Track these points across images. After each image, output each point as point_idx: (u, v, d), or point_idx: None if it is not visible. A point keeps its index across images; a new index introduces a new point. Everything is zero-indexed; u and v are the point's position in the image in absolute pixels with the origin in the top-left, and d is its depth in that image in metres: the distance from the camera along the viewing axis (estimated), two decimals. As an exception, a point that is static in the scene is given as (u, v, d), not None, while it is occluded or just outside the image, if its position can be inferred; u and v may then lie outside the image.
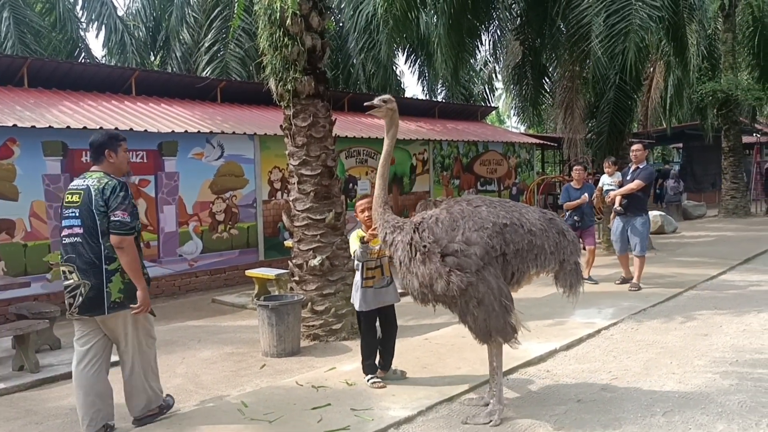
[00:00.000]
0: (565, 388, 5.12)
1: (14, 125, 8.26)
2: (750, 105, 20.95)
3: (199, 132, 10.21)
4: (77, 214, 4.35)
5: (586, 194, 9.58)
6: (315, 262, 6.93)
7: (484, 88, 27.25)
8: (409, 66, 21.83)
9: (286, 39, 6.88)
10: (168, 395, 4.86)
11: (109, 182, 4.40)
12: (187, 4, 18.60)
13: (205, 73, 15.73)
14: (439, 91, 23.16)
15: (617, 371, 5.50)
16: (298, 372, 5.84)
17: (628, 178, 9.20)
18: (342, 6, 18.20)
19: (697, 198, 24.22)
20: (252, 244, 11.23)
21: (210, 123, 10.86)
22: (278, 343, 6.39)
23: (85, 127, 8.91)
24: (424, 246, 4.26)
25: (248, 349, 6.80)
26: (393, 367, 5.42)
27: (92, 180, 4.46)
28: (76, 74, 11.02)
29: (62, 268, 4.40)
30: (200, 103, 12.34)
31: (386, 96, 4.72)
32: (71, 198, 4.43)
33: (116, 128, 9.18)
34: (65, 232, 4.38)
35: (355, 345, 6.15)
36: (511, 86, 17.70)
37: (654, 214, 16.50)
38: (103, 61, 19.25)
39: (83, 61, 17.62)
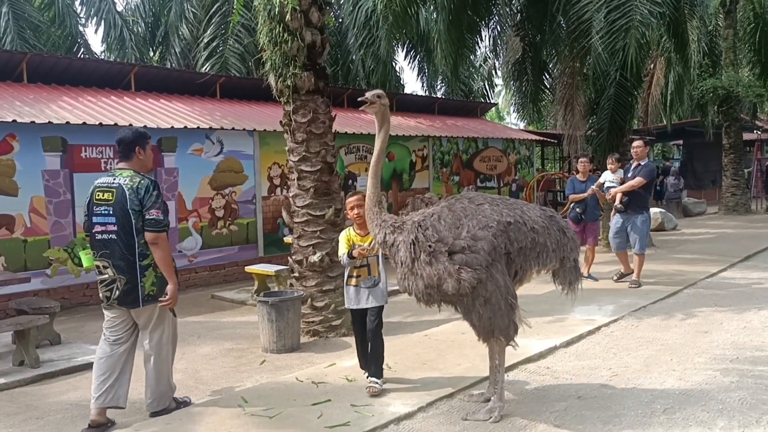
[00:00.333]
0: (565, 385, 5.12)
1: (14, 121, 8.25)
2: (751, 102, 20.95)
3: (198, 128, 10.19)
4: (111, 212, 4.48)
5: (592, 188, 9.47)
6: (315, 258, 6.92)
7: (484, 85, 27.21)
8: (409, 62, 21.80)
9: (285, 34, 6.86)
10: (186, 396, 4.98)
11: (142, 181, 4.54)
12: (186, 0, 18.56)
13: (204, 68, 15.68)
14: (438, 87, 23.13)
15: (617, 368, 5.50)
16: (297, 368, 5.84)
17: (629, 175, 9.17)
18: (341, 2, 18.16)
19: (698, 195, 24.21)
20: (251, 240, 11.22)
21: (209, 119, 10.84)
22: (278, 339, 6.39)
23: (84, 123, 8.90)
24: (429, 246, 4.16)
25: (248, 344, 6.80)
26: (374, 380, 4.93)
27: (123, 178, 4.57)
28: (76, 70, 10.99)
29: (96, 263, 4.60)
30: (199, 98, 12.31)
31: (379, 91, 4.54)
32: (103, 196, 4.55)
33: (115, 124, 9.17)
34: (98, 228, 4.52)
35: (353, 341, 6.14)
36: (511, 82, 17.68)
37: (654, 211, 16.49)
38: (102, 57, 19.24)
39: (82, 56, 17.59)
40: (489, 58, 25.73)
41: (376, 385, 4.87)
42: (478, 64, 26.05)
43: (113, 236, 4.47)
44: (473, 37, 14.57)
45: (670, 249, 12.70)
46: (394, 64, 19.38)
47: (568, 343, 6.30)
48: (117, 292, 4.49)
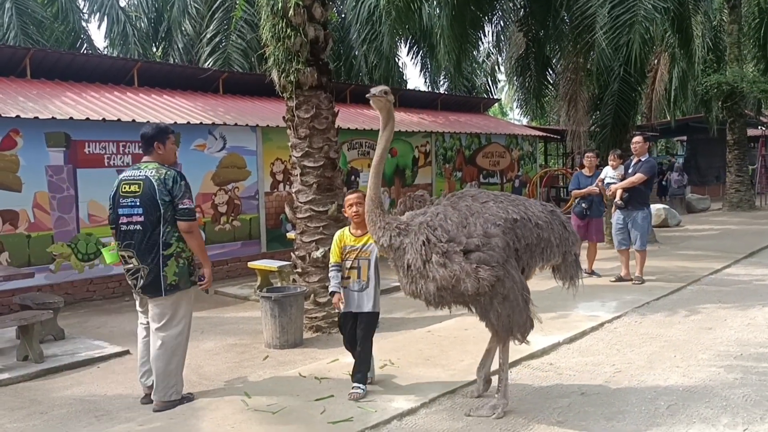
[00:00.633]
0: (569, 381, 5.11)
1: (17, 116, 8.25)
2: (755, 97, 20.89)
3: (201, 123, 10.18)
4: (138, 203, 4.65)
5: (596, 182, 9.38)
6: (318, 253, 6.92)
7: (487, 80, 27.17)
8: (412, 57, 21.87)
9: (288, 30, 6.85)
10: (189, 392, 4.98)
11: (168, 173, 4.71)
12: (189, -5, 18.56)
13: (207, 64, 15.68)
14: (441, 82, 23.10)
15: (621, 364, 5.49)
16: (300, 363, 5.85)
17: (630, 171, 9.09)
18: (344, -3, 18.15)
19: (701, 191, 24.15)
20: (254, 235, 11.22)
21: (212, 114, 10.83)
22: (281, 335, 6.40)
23: (87, 119, 8.90)
24: (442, 246, 4.01)
25: (251, 340, 6.81)
26: (358, 385, 4.77)
27: (149, 170, 4.71)
28: (79, 65, 10.99)
29: (122, 253, 4.79)
30: (202, 94, 12.31)
31: (385, 87, 4.34)
32: (129, 188, 4.70)
33: (119, 119, 9.18)
34: (124, 220, 4.70)
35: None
36: (514, 78, 17.65)
37: (658, 207, 16.48)
38: (105, 53, 19.24)
39: (85, 52, 17.61)
40: (492, 53, 25.70)
41: (359, 391, 4.73)
42: (481, 60, 26.01)
43: (138, 227, 4.64)
44: (476, 32, 14.55)
45: (673, 245, 12.67)
46: (396, 59, 19.37)
47: (572, 340, 6.29)
48: (141, 281, 4.69)
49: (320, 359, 5.92)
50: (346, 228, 5.00)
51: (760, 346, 5.94)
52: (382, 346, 6.20)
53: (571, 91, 13.11)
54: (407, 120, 14.97)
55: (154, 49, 20.81)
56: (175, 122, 9.79)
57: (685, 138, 30.33)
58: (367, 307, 4.83)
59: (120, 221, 4.72)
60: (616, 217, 9.19)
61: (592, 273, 9.47)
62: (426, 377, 5.19)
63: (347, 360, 5.65)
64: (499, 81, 30.79)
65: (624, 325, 6.87)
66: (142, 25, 20.00)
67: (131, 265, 4.72)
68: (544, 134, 19.41)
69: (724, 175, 21.41)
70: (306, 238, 7.08)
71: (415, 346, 6.16)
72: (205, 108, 11.20)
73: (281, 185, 11.58)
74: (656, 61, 20.87)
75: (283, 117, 7.40)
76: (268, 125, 11.11)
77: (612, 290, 8.50)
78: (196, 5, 18.11)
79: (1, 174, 8.36)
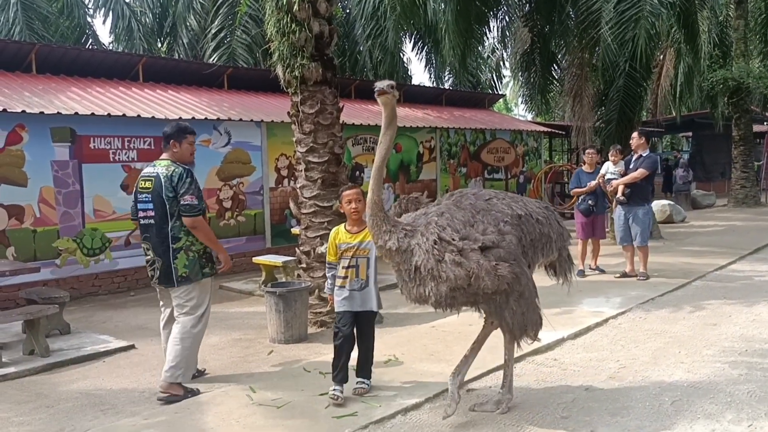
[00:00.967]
0: (573, 377, 5.11)
1: (23, 111, 8.28)
2: (761, 93, 20.77)
3: (206, 119, 10.20)
4: (150, 199, 4.91)
5: (594, 182, 9.32)
6: (322, 249, 6.92)
7: (492, 76, 27.14)
8: (416, 53, 21.79)
9: (293, 25, 6.85)
10: (196, 388, 5.05)
11: (176, 169, 4.90)
12: (193, -9, 18.57)
13: (212, 59, 15.69)
14: (446, 78, 23.09)
15: (625, 360, 5.49)
16: (305, 358, 5.86)
17: (631, 166, 9.04)
18: (349, -8, 18.12)
19: (707, 187, 24.09)
20: (259, 231, 11.24)
21: (217, 110, 10.85)
22: (286, 330, 6.41)
23: (93, 114, 8.92)
24: (456, 245, 3.86)
25: (256, 335, 6.83)
26: (363, 380, 4.79)
27: (161, 168, 4.94)
28: (84, 60, 11.01)
29: (142, 245, 5.09)
30: (207, 89, 12.32)
31: (391, 82, 4.08)
32: (144, 184, 4.97)
33: (123, 114, 9.20)
34: (141, 214, 4.99)
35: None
36: (519, 73, 17.60)
37: (663, 203, 16.44)
38: (111, 48, 19.27)
39: (91, 47, 17.63)
40: (497, 49, 25.67)
41: (364, 386, 4.74)
42: (486, 55, 25.99)
43: (151, 221, 4.91)
44: (481, 27, 14.53)
45: (678, 241, 12.65)
46: (401, 55, 19.33)
47: (576, 335, 6.29)
48: (157, 272, 4.95)
49: (325, 354, 5.92)
50: (342, 225, 4.83)
51: (765, 342, 5.93)
52: (387, 341, 6.22)
53: (577, 87, 13.08)
54: (412, 115, 14.96)
55: (159, 45, 20.83)
56: (180, 117, 9.80)
57: (690, 134, 30.25)
58: (368, 306, 4.71)
59: (139, 215, 5.02)
60: (618, 213, 9.16)
61: (597, 269, 9.46)
62: (430, 372, 5.20)
63: (351, 355, 5.67)
64: (504, 76, 30.80)
65: (628, 321, 6.86)
66: (147, 20, 20.02)
67: (149, 257, 5.01)
68: (549, 130, 19.37)
69: (730, 171, 21.35)
70: (310, 234, 7.09)
71: (419, 342, 6.17)
72: (210, 103, 11.21)
73: (286, 181, 11.59)
74: (662, 56, 20.76)
75: (288, 112, 7.40)
76: (272, 120, 11.12)
77: (616, 286, 8.49)
78: (200, 0, 18.13)
79: (6, 169, 8.39)
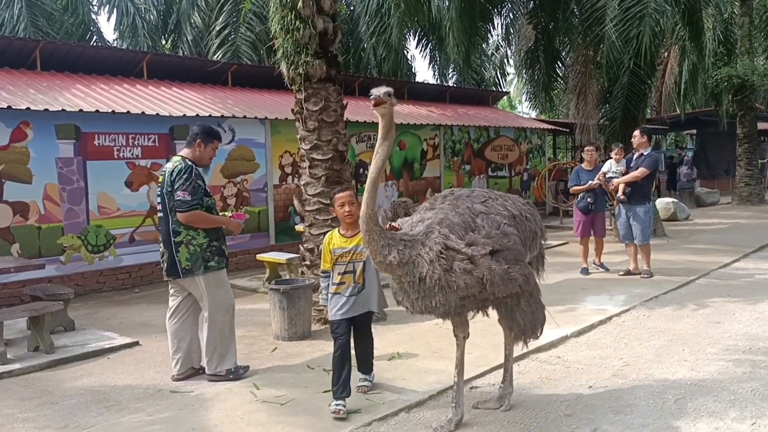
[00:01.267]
0: (577, 374, 5.11)
1: (27, 108, 8.30)
2: (766, 91, 20.73)
3: (210, 116, 10.20)
4: (160, 193, 5.13)
5: (598, 176, 9.19)
6: (326, 246, 6.92)
7: (496, 73, 27.08)
8: (420, 50, 21.79)
9: (297, 22, 6.85)
10: (242, 367, 5.33)
11: (179, 165, 5.04)
12: (198, -12, 18.57)
13: (216, 56, 15.70)
14: (450, 75, 23.05)
15: (629, 358, 5.49)
16: (309, 355, 5.87)
17: (632, 165, 9.00)
18: (353, -11, 18.11)
19: (711, 185, 24.04)
20: (263, 228, 11.26)
21: (221, 107, 10.86)
22: (289, 327, 6.42)
23: (97, 111, 8.95)
24: (466, 251, 3.71)
25: (259, 332, 6.84)
26: (366, 377, 4.78)
27: (170, 163, 5.13)
28: (88, 57, 11.03)
29: (160, 238, 5.28)
30: (211, 86, 12.33)
31: (389, 88, 3.76)
32: (159, 179, 5.21)
33: (128, 111, 9.22)
34: (158, 208, 5.21)
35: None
36: (524, 71, 17.61)
37: (667, 200, 16.41)
38: (115, 45, 19.29)
39: (95, 44, 17.65)
40: (501, 46, 25.60)
41: (368, 383, 4.72)
42: (490, 53, 25.93)
43: (161, 215, 5.14)
44: (485, 24, 14.53)
45: (682, 239, 12.62)
46: (405, 52, 19.35)
47: (579, 333, 6.28)
48: (165, 264, 5.15)
49: (328, 351, 5.89)
50: (335, 230, 4.60)
51: (769, 340, 5.92)
52: (390, 338, 6.23)
53: (581, 84, 13.08)
54: (416, 113, 14.95)
55: (164, 42, 20.85)
56: (185, 114, 9.82)
57: (694, 131, 30.16)
58: (366, 308, 4.53)
59: (158, 209, 5.25)
60: (619, 211, 9.14)
61: (600, 265, 9.45)
62: (434, 370, 5.20)
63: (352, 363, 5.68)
64: (508, 74, 30.76)
65: (632, 318, 6.86)
66: (152, 17, 20.02)
67: (161, 250, 5.21)
68: (553, 127, 19.35)
69: (734, 169, 21.29)
70: (314, 231, 7.10)
71: (423, 339, 6.17)
72: (214, 100, 11.22)
73: (290, 178, 11.60)
74: (666, 54, 20.74)
75: (292, 109, 7.41)
76: (276, 118, 11.12)
77: (620, 284, 8.48)
78: (205, -3, 18.13)
79: (11, 166, 8.42)
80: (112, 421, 4.45)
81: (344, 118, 7.36)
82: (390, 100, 3.72)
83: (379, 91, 3.69)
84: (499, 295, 3.81)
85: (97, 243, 9.17)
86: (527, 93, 21.77)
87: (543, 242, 4.46)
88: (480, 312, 4.12)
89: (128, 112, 9.24)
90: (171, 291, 5.36)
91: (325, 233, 6.92)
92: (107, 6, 18.90)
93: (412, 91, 16.42)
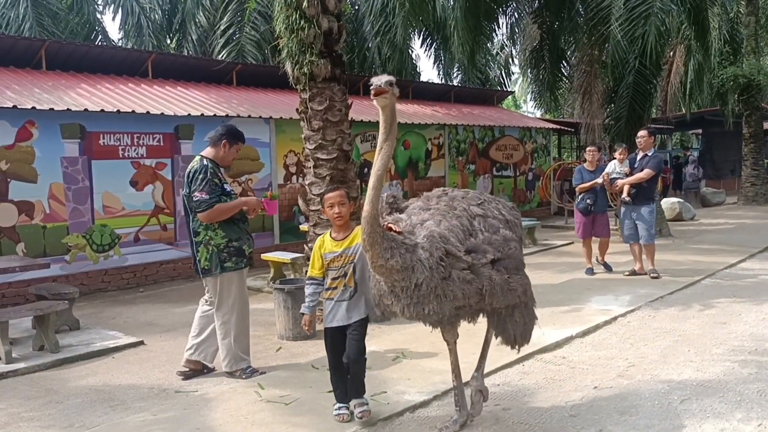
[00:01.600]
0: (582, 375, 5.10)
1: (33, 108, 8.32)
2: (772, 91, 20.64)
3: (215, 115, 10.21)
4: (183, 195, 5.25)
5: (599, 179, 9.08)
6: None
7: (501, 73, 27.06)
8: (425, 50, 21.76)
9: (302, 21, 6.84)
10: (256, 369, 5.34)
11: (195, 166, 5.12)
12: (203, -13, 18.59)
13: (220, 56, 15.72)
14: (455, 75, 23.05)
15: (634, 358, 5.47)
16: (313, 355, 5.86)
17: (636, 166, 8.94)
18: (358, -11, 18.11)
19: (717, 185, 23.95)
20: (267, 227, 11.26)
21: (226, 106, 10.86)
22: (294, 327, 6.42)
23: (102, 110, 8.96)
24: (467, 259, 3.52)
25: (264, 331, 6.84)
26: (361, 401, 4.22)
27: (190, 164, 5.21)
28: (94, 57, 11.05)
29: None
30: (216, 86, 12.34)
31: (390, 77, 3.46)
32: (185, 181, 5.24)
33: (133, 111, 9.23)
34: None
35: (371, 329, 6.14)
36: (528, 70, 17.60)
37: (672, 200, 16.36)
38: (120, 44, 19.33)
39: (100, 43, 17.69)
40: (506, 45, 25.61)
41: (366, 407, 4.19)
42: (494, 52, 25.93)
43: (184, 215, 5.28)
44: (490, 24, 14.51)
45: (688, 239, 12.58)
46: (410, 51, 19.32)
47: (584, 333, 6.27)
48: (193, 264, 5.29)
49: (333, 351, 5.93)
50: (327, 233, 4.23)
51: (776, 341, 5.90)
52: (395, 338, 6.22)
53: (586, 84, 13.05)
54: (420, 112, 14.94)
55: (168, 41, 20.88)
56: (189, 114, 9.83)
57: (700, 131, 30.08)
58: (357, 315, 4.12)
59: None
60: (623, 211, 9.10)
61: (604, 264, 9.39)
62: (438, 370, 5.18)
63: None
64: (513, 73, 30.70)
65: (637, 319, 6.84)
66: (156, 16, 20.07)
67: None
68: (558, 127, 19.31)
69: (740, 169, 21.21)
70: (319, 231, 7.08)
71: (427, 339, 6.15)
72: (219, 100, 11.23)
73: (294, 177, 11.61)
74: (672, 53, 20.65)
75: (297, 109, 7.41)
76: (281, 117, 11.13)
77: (625, 284, 8.45)
78: (209, -3, 18.16)
79: (17, 165, 8.44)
80: (117, 420, 4.45)
81: (349, 118, 7.36)
82: (391, 89, 3.42)
83: (379, 80, 3.41)
84: (498, 306, 3.67)
85: (102, 242, 9.19)
86: (532, 92, 21.79)
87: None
88: (470, 321, 3.91)
89: (133, 111, 9.25)
90: (204, 287, 5.49)
91: (329, 233, 6.96)
92: (112, 5, 18.97)
93: (417, 91, 16.40)
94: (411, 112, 14.45)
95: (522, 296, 3.77)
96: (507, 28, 20.17)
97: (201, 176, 5.02)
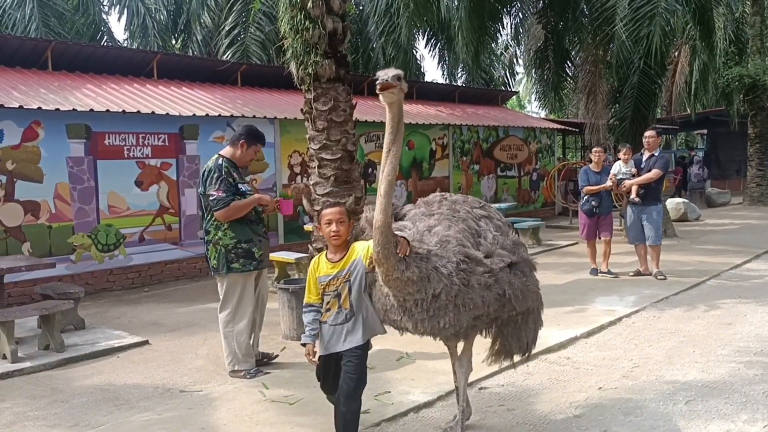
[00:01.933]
0: (586, 376, 5.09)
1: (39, 108, 8.35)
2: (777, 90, 20.54)
3: (219, 115, 10.23)
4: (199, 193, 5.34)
5: (607, 183, 8.98)
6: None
7: (505, 73, 27.05)
8: (429, 50, 21.77)
9: (307, 22, 6.84)
10: (259, 369, 5.35)
11: (210, 165, 5.20)
12: (208, -12, 18.63)
13: (225, 56, 15.73)
14: (459, 75, 23.03)
15: (639, 359, 5.46)
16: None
17: (642, 166, 8.89)
18: (363, -11, 18.12)
19: (722, 185, 23.88)
20: (272, 227, 11.26)
21: (230, 107, 10.88)
22: (298, 327, 6.42)
23: (108, 110, 8.98)
24: (485, 264, 3.32)
25: (268, 331, 6.83)
26: None
27: (208, 162, 5.29)
28: (99, 57, 11.09)
29: None
30: (221, 86, 12.36)
31: (397, 71, 3.17)
32: None
33: (138, 111, 9.25)
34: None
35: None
36: (533, 70, 17.59)
37: (677, 201, 16.32)
38: (125, 45, 19.38)
39: (106, 44, 17.74)
40: (510, 45, 25.59)
41: None
42: (499, 52, 25.91)
43: (200, 213, 5.31)
44: (495, 24, 14.51)
45: (693, 240, 12.55)
46: (414, 52, 19.32)
47: (589, 334, 6.26)
48: (206, 260, 5.35)
49: (337, 351, 5.93)
50: (323, 254, 3.70)
51: (781, 342, 5.88)
52: (399, 339, 6.17)
53: (590, 84, 13.03)
54: (425, 112, 14.94)
55: (174, 42, 20.94)
56: (194, 114, 9.85)
57: (705, 131, 30.01)
58: (354, 341, 3.56)
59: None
60: (629, 212, 9.05)
61: (607, 272, 9.12)
62: (442, 370, 5.18)
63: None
64: (517, 73, 30.71)
65: (642, 319, 6.83)
66: (162, 17, 20.11)
67: None
68: (563, 127, 19.28)
69: (745, 169, 21.15)
70: (323, 231, 7.09)
71: (431, 339, 6.14)
72: (224, 100, 11.25)
73: (299, 177, 11.62)
74: (677, 53, 20.63)
75: (301, 109, 7.41)
76: (286, 117, 11.14)
77: (630, 285, 8.44)
78: (214, -3, 18.19)
79: (23, 165, 8.47)
80: (122, 419, 4.47)
81: (353, 118, 7.35)
82: (399, 84, 3.14)
83: (386, 74, 3.12)
84: (519, 310, 3.50)
85: (107, 242, 9.22)
86: (536, 92, 21.71)
87: None
88: (486, 332, 3.70)
89: (138, 111, 9.27)
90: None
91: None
92: (118, 6, 19.01)
93: (421, 91, 16.40)
94: (415, 112, 14.44)
95: (537, 299, 3.70)
96: (511, 28, 20.19)
97: (215, 175, 5.09)
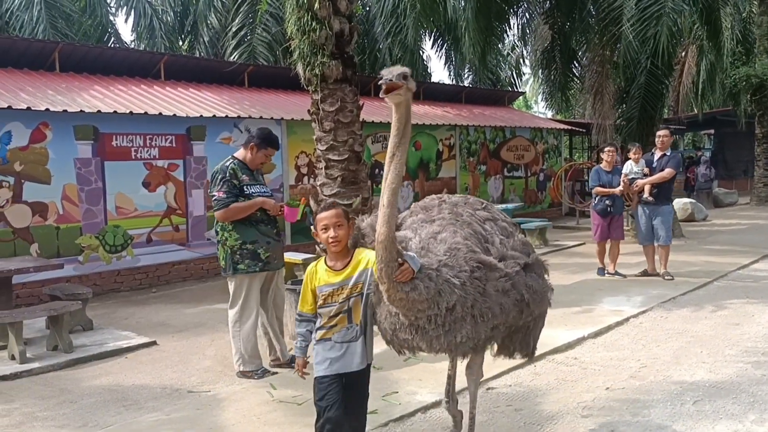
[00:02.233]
0: (593, 376, 5.09)
1: (47, 109, 8.38)
2: (785, 90, 20.45)
3: (226, 116, 10.26)
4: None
5: (622, 181, 8.84)
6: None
7: (512, 73, 26.99)
8: (436, 50, 21.81)
9: (314, 23, 6.85)
10: (268, 370, 5.39)
11: (218, 166, 5.30)
12: (214, -11, 18.67)
13: (232, 57, 15.76)
14: (465, 75, 23.02)
15: (646, 359, 5.45)
16: (325, 356, 5.87)
17: (654, 165, 8.88)
18: (369, -10, 18.13)
19: (729, 185, 23.79)
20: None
21: (238, 108, 10.90)
22: (305, 327, 6.42)
23: (115, 111, 9.01)
24: (500, 268, 3.09)
25: (275, 332, 6.85)
26: None
27: (219, 164, 5.37)
28: (106, 59, 11.12)
29: None
30: (228, 87, 12.39)
31: (404, 69, 2.89)
32: None
33: (145, 112, 9.28)
34: None
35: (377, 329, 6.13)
36: (540, 71, 17.54)
37: (684, 201, 16.27)
38: (132, 46, 19.44)
39: (113, 45, 17.80)
40: (517, 46, 25.54)
41: None
42: (506, 53, 25.87)
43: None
44: (501, 25, 14.49)
45: (700, 240, 12.51)
46: (421, 52, 19.32)
47: (597, 334, 6.25)
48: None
49: (344, 351, 5.94)
50: (320, 261, 3.37)
51: (790, 342, 5.86)
52: (406, 339, 6.21)
53: (597, 84, 12.99)
54: (431, 113, 14.93)
55: (180, 43, 20.98)
56: (201, 115, 9.88)
57: (712, 131, 29.91)
58: (363, 362, 3.29)
59: None
60: (639, 212, 9.02)
61: (615, 273, 9.09)
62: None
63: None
64: (524, 74, 30.62)
65: (649, 320, 6.81)
66: (169, 18, 20.16)
67: None
68: (570, 127, 19.25)
69: (752, 169, 21.07)
70: (330, 231, 7.09)
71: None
72: (231, 101, 11.27)
73: (306, 178, 11.63)
74: (684, 53, 20.58)
75: (308, 110, 7.42)
76: (293, 118, 11.16)
77: (637, 285, 8.42)
78: (221, -1, 18.23)
79: (31, 166, 8.51)
80: (130, 420, 4.49)
81: (360, 119, 7.37)
82: (406, 84, 2.88)
83: (391, 73, 2.85)
84: (536, 314, 3.32)
85: (114, 243, 9.25)
86: (543, 93, 21.70)
87: None
88: (502, 343, 3.46)
89: (146, 112, 9.30)
90: None
91: (340, 234, 6.96)
92: (125, 7, 19.07)
93: (428, 92, 16.40)
94: (422, 112, 14.44)
95: (550, 302, 3.51)
96: (518, 28, 20.16)
97: (219, 176, 5.18)
